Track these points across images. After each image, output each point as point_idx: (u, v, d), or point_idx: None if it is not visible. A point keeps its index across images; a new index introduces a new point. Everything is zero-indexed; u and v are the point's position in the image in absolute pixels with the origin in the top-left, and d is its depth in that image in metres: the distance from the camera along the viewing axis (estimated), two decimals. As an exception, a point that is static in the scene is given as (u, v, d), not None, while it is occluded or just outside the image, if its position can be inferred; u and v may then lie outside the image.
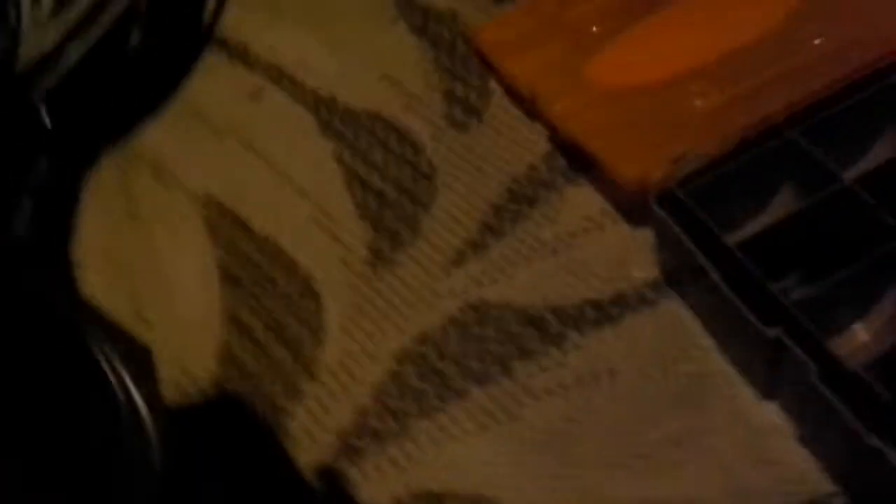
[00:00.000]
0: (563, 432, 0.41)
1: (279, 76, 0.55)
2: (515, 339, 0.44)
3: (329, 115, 0.53)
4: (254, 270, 0.49)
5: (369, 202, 0.50)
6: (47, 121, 0.47)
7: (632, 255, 0.45)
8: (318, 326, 0.46)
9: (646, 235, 0.45)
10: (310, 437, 0.43)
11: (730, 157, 0.41)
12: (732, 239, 0.39)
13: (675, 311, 0.43)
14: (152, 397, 0.31)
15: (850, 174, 0.40)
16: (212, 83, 0.56)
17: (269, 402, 0.45)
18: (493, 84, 0.52)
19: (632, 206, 0.45)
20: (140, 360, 0.31)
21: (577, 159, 0.48)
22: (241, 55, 0.57)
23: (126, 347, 0.31)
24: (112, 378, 0.30)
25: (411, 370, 0.44)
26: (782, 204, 0.42)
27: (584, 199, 0.47)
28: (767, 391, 0.39)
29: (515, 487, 0.40)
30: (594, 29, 0.49)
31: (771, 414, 0.39)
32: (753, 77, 0.44)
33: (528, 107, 0.50)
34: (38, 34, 0.45)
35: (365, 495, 0.41)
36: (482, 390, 0.43)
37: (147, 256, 0.50)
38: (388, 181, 0.50)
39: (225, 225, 0.50)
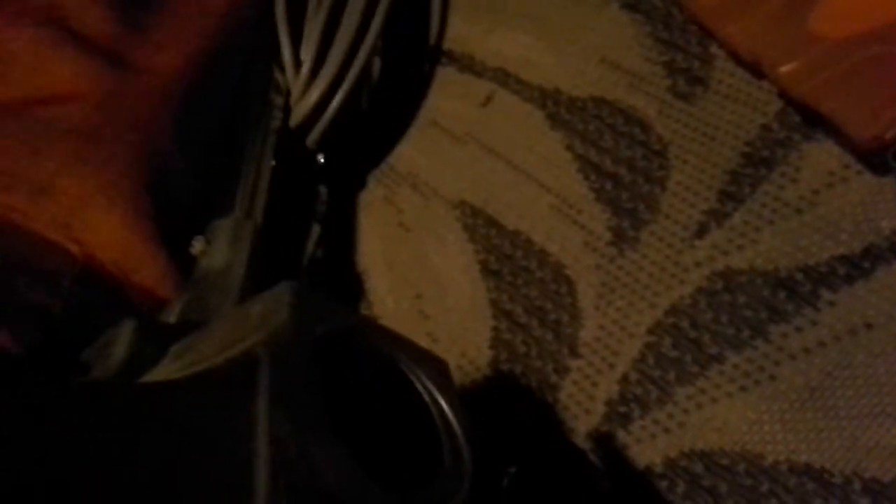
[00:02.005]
0: (823, 388, 0.43)
1: (505, 78, 0.60)
2: (766, 302, 0.46)
3: (555, 107, 0.57)
4: (509, 263, 0.54)
5: (605, 186, 0.53)
6: (321, 159, 0.56)
7: (879, 205, 0.45)
8: (574, 308, 0.51)
9: (892, 183, 0.44)
10: (580, 407, 0.49)
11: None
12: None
13: (932, 260, 0.43)
14: (454, 402, 0.37)
15: None
16: (446, 95, 0.62)
17: (540, 379, 0.50)
18: (714, 49, 0.53)
19: (873, 157, 0.45)
20: (441, 371, 0.38)
21: (810, 115, 0.48)
22: (468, 65, 0.62)
23: (429, 364, 0.38)
24: (422, 390, 0.37)
25: (667, 341, 0.47)
26: None
27: (824, 154, 0.47)
28: None
29: (780, 442, 0.43)
30: (813, -21, 0.48)
31: None
32: None
33: (754, 68, 0.50)
34: (304, 94, 0.53)
35: (637, 456, 0.46)
36: (738, 355, 0.45)
37: (419, 260, 0.57)
38: (620, 163, 0.53)
39: (479, 225, 0.56)
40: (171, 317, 0.45)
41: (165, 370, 0.37)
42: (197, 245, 0.49)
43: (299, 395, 0.32)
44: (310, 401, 0.33)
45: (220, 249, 0.48)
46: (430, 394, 0.38)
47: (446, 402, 0.38)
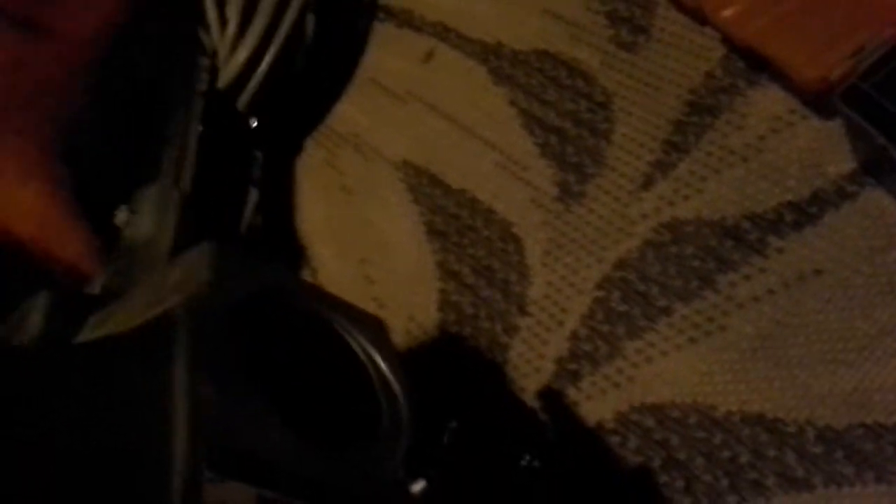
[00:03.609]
0: (774, 336, 0.42)
1: (446, 32, 0.58)
2: (714, 251, 0.45)
3: (498, 61, 0.55)
4: (455, 223, 0.53)
5: (550, 140, 0.51)
6: (255, 122, 0.54)
7: (825, 149, 0.44)
8: (522, 266, 0.50)
9: (838, 126, 0.43)
10: (530, 366, 0.47)
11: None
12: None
13: (877, 201, 0.42)
14: (391, 360, 0.36)
15: None
16: (387, 52, 0.60)
17: (489, 339, 0.49)
18: (655, -4, 0.52)
19: (819, 99, 0.44)
20: (377, 330, 0.36)
21: (754, 60, 0.47)
22: (407, 20, 0.60)
23: (364, 323, 0.36)
24: (358, 350, 0.36)
25: (615, 295, 0.46)
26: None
27: (769, 99, 0.46)
28: None
29: (732, 392, 0.42)
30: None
31: None
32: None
33: (696, 14, 0.49)
34: (231, 54, 0.51)
35: (588, 413, 0.45)
36: (687, 306, 0.44)
37: (363, 223, 0.56)
38: (564, 117, 0.52)
39: (423, 185, 0.54)
40: (95, 289, 0.43)
41: (83, 339, 0.35)
42: (121, 215, 0.47)
43: (221, 357, 0.31)
44: (233, 362, 0.31)
45: (146, 219, 0.46)
46: (367, 353, 0.36)
47: (383, 360, 0.36)
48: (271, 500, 0.28)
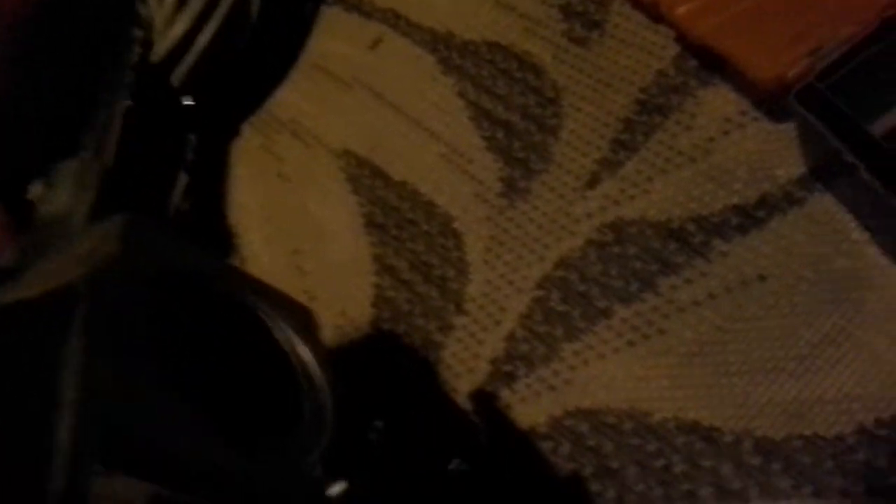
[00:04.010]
0: (714, 341, 0.41)
1: (395, 19, 0.56)
2: (657, 253, 0.43)
3: (448, 51, 0.53)
4: (395, 215, 0.51)
5: (497, 134, 0.50)
6: (189, 101, 0.51)
7: (775, 153, 0.43)
8: (461, 262, 0.48)
9: (789, 130, 0.43)
10: (464, 366, 0.46)
11: (871, 42, 0.38)
12: (880, 127, 0.36)
13: (825, 207, 0.41)
14: (317, 351, 0.33)
15: None
16: (333, 38, 0.58)
17: (423, 337, 0.47)
18: (611, -8, 0.51)
19: (772, 101, 0.43)
20: (303, 319, 0.34)
21: (709, 58, 0.46)
22: (356, 4, 0.58)
23: (290, 311, 0.34)
24: (281, 338, 0.33)
25: (555, 295, 0.45)
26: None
27: (720, 101, 0.45)
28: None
29: (668, 399, 0.41)
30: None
31: (934, 305, 0.37)
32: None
33: (651, 11, 0.48)
34: (168, 26, 0.48)
35: (521, 416, 0.43)
36: (627, 308, 0.43)
37: (299, 212, 0.53)
38: (513, 110, 0.50)
39: (364, 175, 0.52)
40: (4, 263, 0.40)
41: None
42: (35, 189, 0.44)
43: (125, 337, 0.28)
44: (139, 344, 0.29)
45: (62, 194, 0.43)
46: (291, 343, 0.34)
47: (308, 351, 0.34)
48: (169, 497, 0.26)
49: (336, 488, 0.34)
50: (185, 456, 0.28)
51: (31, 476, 0.24)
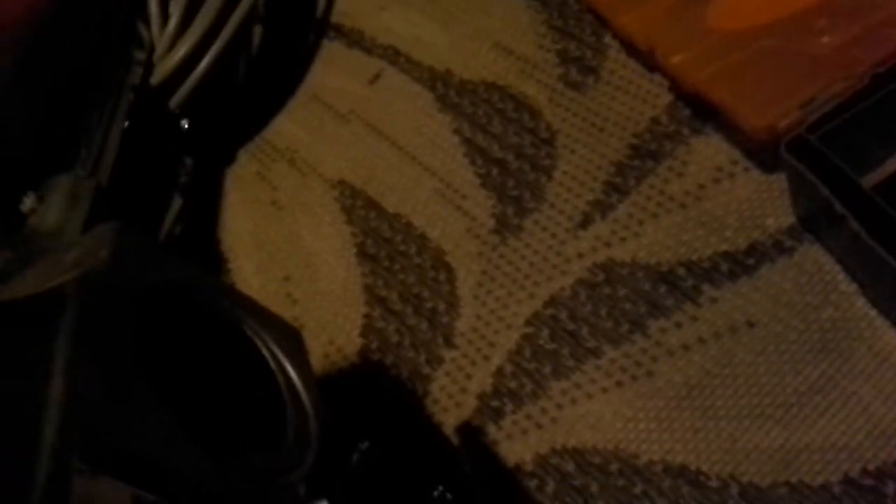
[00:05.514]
0: (701, 386, 0.41)
1: (395, 56, 0.57)
2: (647, 296, 0.44)
3: (445, 89, 0.54)
4: (387, 247, 0.51)
5: (491, 172, 0.50)
6: (186, 125, 0.51)
7: (765, 202, 0.44)
8: (452, 296, 0.48)
9: (779, 181, 0.44)
10: (451, 400, 0.45)
11: (862, 96, 0.39)
12: (869, 181, 0.37)
13: (814, 258, 0.41)
14: (304, 371, 0.33)
15: None
16: (333, 71, 0.59)
17: (412, 370, 0.47)
18: (608, 39, 0.51)
19: (763, 152, 0.44)
20: (291, 339, 0.34)
21: (701, 108, 0.47)
22: (357, 40, 0.59)
23: (278, 330, 0.34)
24: (268, 356, 0.33)
25: (544, 333, 0.45)
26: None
27: (711, 149, 0.46)
28: (916, 334, 0.37)
29: (655, 441, 0.41)
30: (708, -28, 0.47)
31: (919, 357, 0.37)
32: (882, 8, 0.41)
33: (647, 59, 0.49)
34: (169, 50, 0.49)
35: (507, 453, 0.43)
36: (616, 349, 0.43)
37: (291, 240, 0.53)
38: (508, 149, 0.51)
39: (358, 206, 0.52)
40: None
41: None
42: (27, 201, 0.43)
43: (113, 342, 0.28)
44: (127, 350, 0.28)
45: (54, 208, 0.43)
46: (278, 361, 0.34)
47: (295, 371, 0.34)
48: (150, 501, 0.25)
49: (317, 507, 0.33)
50: (168, 462, 0.27)
51: (15, 474, 0.23)
